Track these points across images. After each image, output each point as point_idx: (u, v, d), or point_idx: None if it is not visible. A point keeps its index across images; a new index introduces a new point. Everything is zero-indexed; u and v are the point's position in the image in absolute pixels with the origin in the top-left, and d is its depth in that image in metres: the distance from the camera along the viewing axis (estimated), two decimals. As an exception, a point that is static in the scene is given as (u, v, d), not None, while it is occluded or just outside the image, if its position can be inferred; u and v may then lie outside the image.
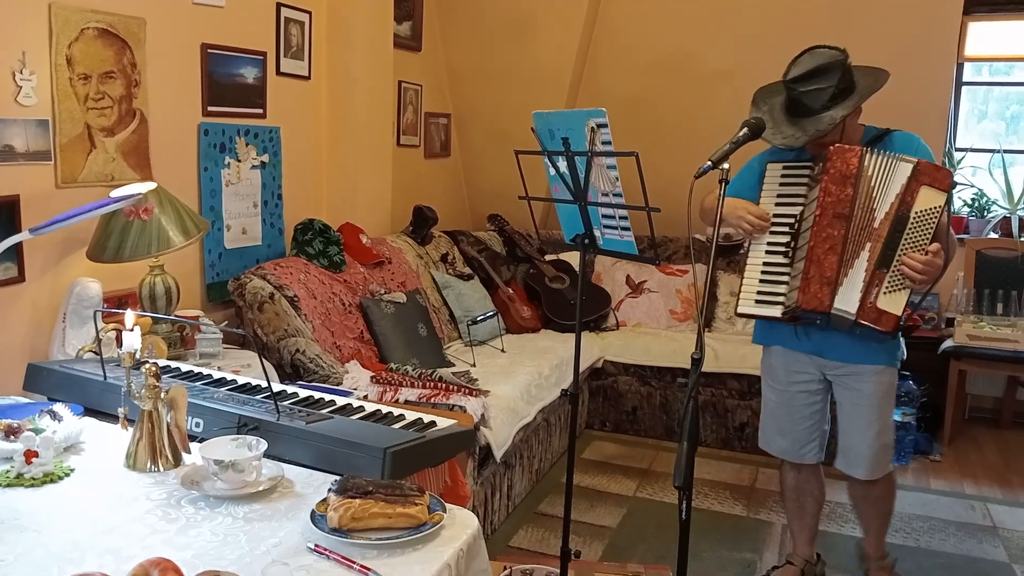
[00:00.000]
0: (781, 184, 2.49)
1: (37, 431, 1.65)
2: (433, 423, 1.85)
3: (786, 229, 2.45)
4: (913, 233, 2.26)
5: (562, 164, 2.13)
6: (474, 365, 3.56)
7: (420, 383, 2.93)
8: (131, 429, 1.66)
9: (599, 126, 1.97)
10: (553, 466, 3.81)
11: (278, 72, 3.48)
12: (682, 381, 4.16)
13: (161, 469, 1.61)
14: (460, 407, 2.83)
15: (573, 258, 4.76)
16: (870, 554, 2.82)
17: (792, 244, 2.42)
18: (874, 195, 2.31)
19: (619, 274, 4.73)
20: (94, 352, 2.23)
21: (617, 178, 2.04)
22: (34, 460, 1.57)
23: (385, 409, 1.91)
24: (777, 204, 2.49)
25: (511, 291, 4.45)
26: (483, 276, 4.46)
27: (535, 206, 2.43)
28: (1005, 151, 4.75)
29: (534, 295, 4.55)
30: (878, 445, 2.55)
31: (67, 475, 1.58)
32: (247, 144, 3.32)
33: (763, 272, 2.46)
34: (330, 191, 3.91)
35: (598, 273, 4.81)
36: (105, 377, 1.95)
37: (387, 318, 3.46)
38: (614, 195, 2.07)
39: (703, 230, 4.87)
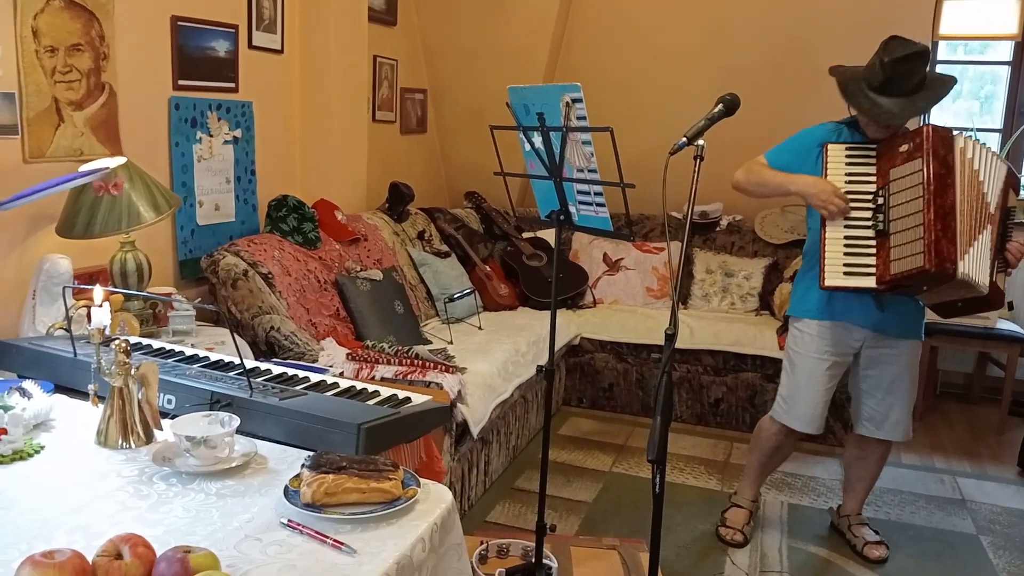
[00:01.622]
0: (848, 164, 2.63)
1: (6, 408, 1.63)
2: (408, 399, 1.85)
3: (867, 204, 2.58)
4: (1010, 226, 2.56)
5: (537, 139, 2.12)
6: (451, 342, 3.56)
7: (396, 360, 2.92)
8: (102, 406, 1.64)
9: (574, 101, 1.96)
10: (530, 442, 3.83)
11: (250, 45, 3.42)
12: (657, 356, 4.19)
13: (132, 446, 1.59)
14: (437, 384, 2.83)
15: (550, 236, 4.75)
16: (850, 511, 3.07)
17: (882, 219, 2.54)
18: (979, 177, 2.52)
19: (596, 252, 4.74)
20: (65, 329, 2.20)
21: (592, 154, 2.03)
22: (3, 437, 1.55)
23: (360, 385, 1.91)
24: (847, 183, 2.62)
25: (488, 269, 4.44)
26: (460, 254, 4.45)
27: (513, 184, 2.42)
28: (978, 130, 4.79)
29: (511, 273, 4.55)
30: (910, 411, 2.87)
31: (37, 452, 1.56)
32: (219, 119, 3.28)
33: (847, 246, 2.58)
34: (304, 167, 3.87)
35: (575, 251, 4.82)
36: (75, 354, 1.93)
37: (363, 295, 3.44)
38: (589, 171, 2.06)
39: (680, 207, 4.89)
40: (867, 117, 2.61)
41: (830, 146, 2.66)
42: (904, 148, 2.53)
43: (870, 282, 2.54)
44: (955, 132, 2.54)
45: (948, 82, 2.61)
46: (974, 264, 2.46)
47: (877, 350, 2.82)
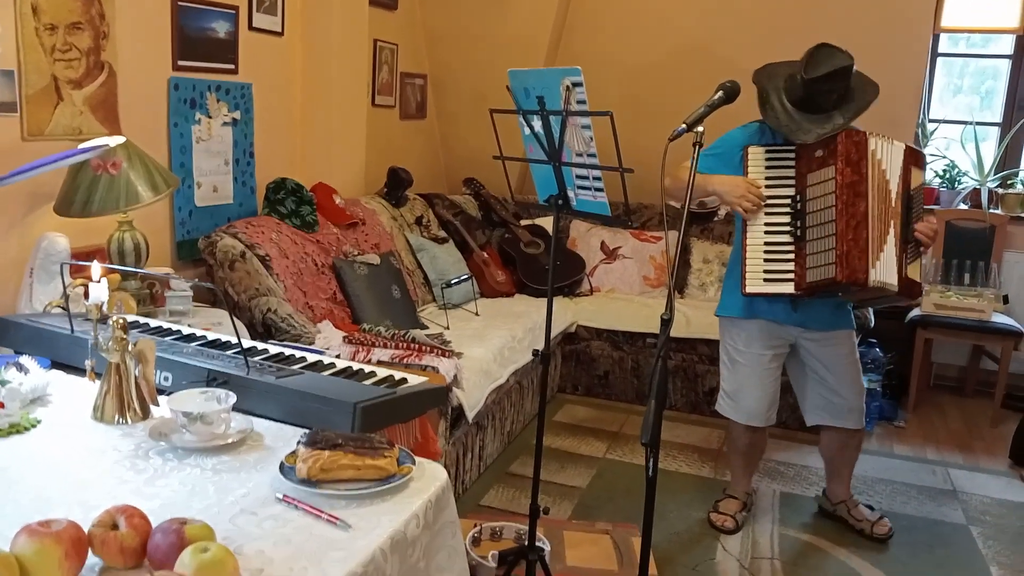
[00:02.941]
0: (768, 167, 2.64)
1: (3, 383, 1.63)
2: (404, 380, 1.85)
3: (785, 210, 2.61)
4: (916, 208, 2.54)
5: (537, 123, 2.12)
6: (447, 328, 3.56)
7: (393, 344, 2.93)
8: (99, 382, 1.65)
9: (574, 85, 1.96)
10: (525, 428, 3.84)
11: (250, 27, 3.42)
12: (652, 342, 4.20)
13: (129, 421, 1.60)
14: (433, 368, 2.83)
15: (549, 223, 4.76)
16: (843, 496, 3.13)
17: (799, 224, 2.57)
18: (886, 176, 2.52)
19: (594, 240, 4.74)
20: (62, 307, 2.20)
21: (591, 138, 2.03)
22: (0, 411, 1.55)
23: (356, 366, 1.91)
24: (768, 186, 2.64)
25: (486, 255, 4.45)
26: (458, 240, 4.45)
27: (512, 170, 2.43)
28: (977, 123, 4.80)
29: (509, 260, 4.55)
30: (862, 395, 2.94)
31: (34, 426, 1.56)
32: (218, 100, 3.27)
33: (766, 251, 2.61)
34: (303, 150, 3.86)
35: (573, 239, 4.82)
36: (72, 331, 1.93)
37: (360, 279, 3.45)
38: (588, 156, 2.07)
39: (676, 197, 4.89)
40: (783, 133, 2.62)
41: (750, 149, 2.69)
42: (819, 153, 2.55)
43: (789, 288, 2.59)
44: (868, 134, 2.54)
45: (870, 93, 2.59)
46: (884, 268, 2.49)
47: (812, 343, 2.88)
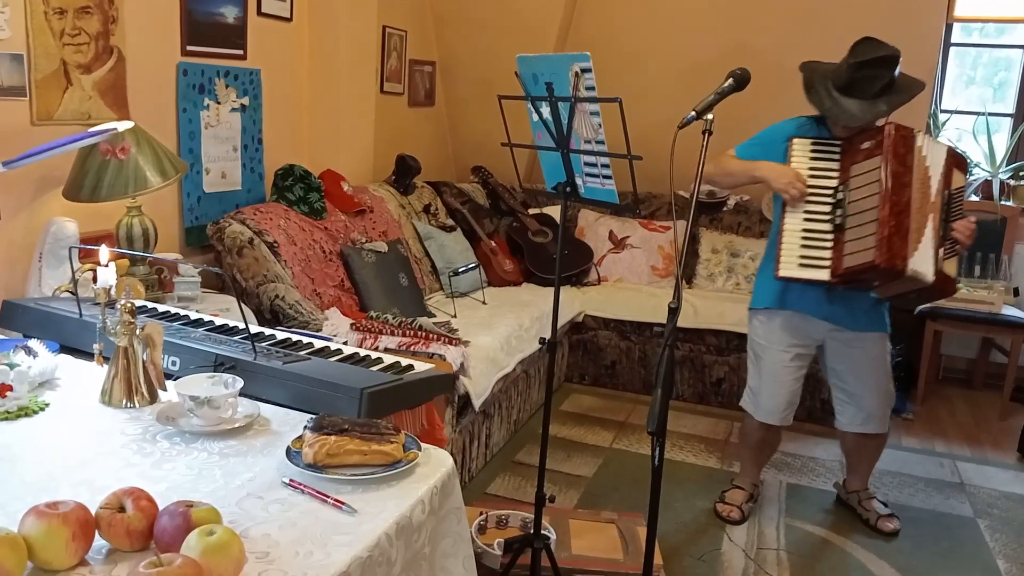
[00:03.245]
0: (812, 158, 2.66)
1: (11, 366, 1.64)
2: (411, 366, 1.85)
3: (827, 199, 2.61)
4: (956, 207, 2.56)
5: (545, 110, 2.11)
6: (455, 316, 3.56)
7: (400, 331, 2.93)
8: (107, 366, 1.65)
9: (583, 71, 1.95)
10: (531, 417, 3.84)
11: (259, 12, 3.41)
12: (659, 331, 4.19)
13: (137, 405, 1.60)
14: (440, 355, 2.83)
15: (557, 212, 4.74)
16: (858, 487, 3.13)
17: (839, 213, 2.57)
18: (928, 172, 2.53)
19: (602, 229, 4.73)
20: (70, 292, 2.20)
21: (600, 125, 2.02)
22: (8, 394, 1.56)
23: (363, 352, 1.92)
24: (810, 176, 2.64)
25: (494, 244, 4.44)
26: (466, 228, 4.44)
27: (521, 158, 2.42)
28: (990, 114, 4.76)
29: (517, 248, 4.54)
30: (889, 402, 2.91)
31: (42, 409, 1.57)
32: (227, 86, 3.27)
33: (804, 238, 2.61)
34: (311, 137, 3.86)
35: (581, 228, 4.81)
36: (81, 315, 1.94)
37: (368, 267, 3.45)
38: (597, 142, 2.05)
39: (689, 186, 4.87)
40: (827, 116, 2.66)
41: (795, 140, 2.70)
42: (866, 145, 2.56)
43: (824, 275, 2.57)
44: (916, 131, 2.56)
45: (916, 87, 2.63)
46: (921, 258, 2.48)
47: (839, 343, 2.85)
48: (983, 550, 2.94)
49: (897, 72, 2.59)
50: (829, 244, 2.58)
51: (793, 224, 2.63)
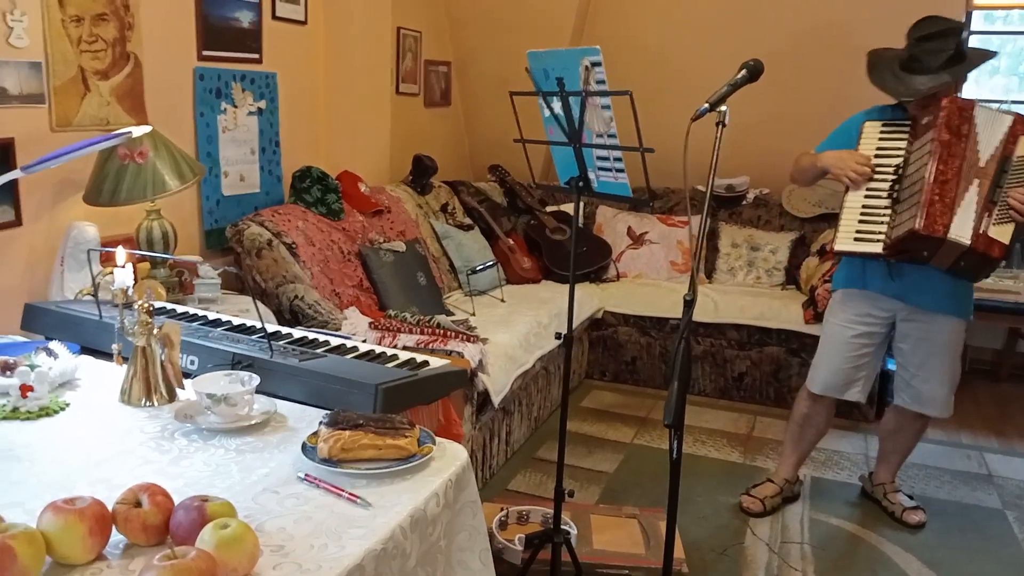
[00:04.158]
0: (880, 139, 2.68)
1: (33, 367, 1.66)
2: (427, 362, 1.86)
3: (887, 175, 2.62)
4: (1016, 173, 2.50)
5: (557, 105, 2.11)
6: (473, 314, 3.57)
7: (418, 329, 2.94)
8: (126, 366, 1.67)
9: (593, 64, 1.94)
10: (552, 414, 3.84)
11: (274, 16, 3.43)
12: (676, 324, 4.17)
13: (155, 404, 1.62)
14: (458, 353, 2.84)
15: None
16: (884, 480, 3.11)
17: (896, 188, 2.59)
18: (979, 140, 2.52)
19: (620, 225, 4.71)
20: (91, 295, 2.23)
21: (611, 119, 2.01)
22: (29, 394, 1.58)
23: (379, 349, 1.92)
24: (876, 156, 2.66)
25: (512, 242, 4.44)
26: (483, 227, 4.45)
27: (538, 157, 2.42)
28: (1012, 102, 4.69)
29: (535, 246, 4.54)
30: (952, 388, 2.89)
31: (62, 409, 1.59)
32: (243, 90, 3.30)
33: (863, 213, 2.64)
34: (328, 139, 3.88)
35: (599, 224, 4.80)
36: (101, 316, 1.96)
37: (386, 266, 3.46)
38: (608, 136, 2.05)
39: (706, 180, 4.84)
40: (889, 92, 2.65)
41: (867, 124, 2.72)
42: (926, 120, 2.58)
43: (878, 248, 2.59)
44: (976, 103, 2.54)
45: (983, 55, 2.63)
46: (960, 223, 2.47)
47: (909, 323, 2.83)
48: (1011, 542, 2.90)
49: (963, 46, 2.59)
50: (885, 218, 2.59)
51: (853, 201, 2.66)
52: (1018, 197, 2.51)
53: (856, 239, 2.62)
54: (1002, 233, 2.52)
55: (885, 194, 2.60)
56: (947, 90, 2.57)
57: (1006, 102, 4.68)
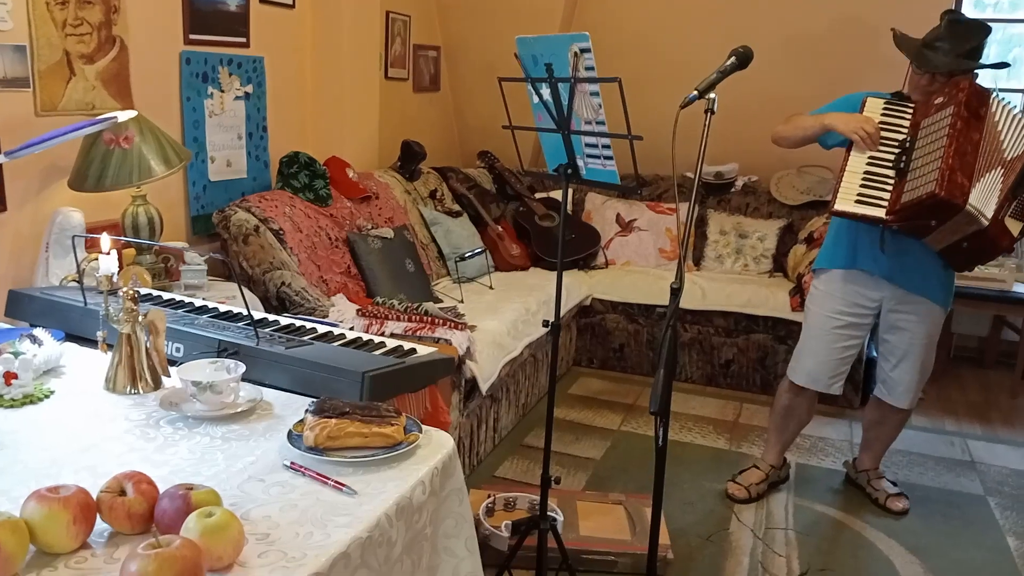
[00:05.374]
0: (884, 114, 2.69)
1: (17, 354, 1.65)
2: (413, 350, 1.86)
3: (893, 148, 2.63)
4: None
5: (545, 91, 2.10)
6: (461, 301, 3.57)
7: (406, 316, 2.94)
8: (110, 353, 1.66)
9: (582, 51, 1.94)
10: (539, 401, 3.85)
11: (261, 0, 3.40)
12: (662, 310, 4.19)
13: (140, 392, 1.61)
14: (446, 340, 2.84)
15: (563, 196, 4.73)
16: (868, 466, 3.15)
17: (904, 159, 2.59)
18: (1001, 131, 2.54)
19: (609, 212, 4.71)
20: (76, 281, 2.22)
21: (600, 106, 2.01)
22: (13, 382, 1.57)
23: (366, 337, 1.92)
24: (880, 128, 2.66)
25: (500, 229, 4.44)
26: (472, 213, 4.44)
27: (527, 143, 2.41)
28: (1001, 90, 4.70)
29: (523, 233, 4.54)
30: (922, 380, 2.93)
31: (47, 397, 1.58)
32: (230, 74, 3.27)
33: (865, 178, 2.63)
34: (316, 124, 3.86)
35: (588, 212, 4.80)
36: (86, 303, 1.95)
37: (374, 253, 3.45)
38: (597, 123, 2.05)
39: (692, 166, 4.85)
40: (914, 62, 2.68)
41: (869, 99, 2.73)
42: (939, 100, 2.59)
43: (880, 212, 2.58)
44: (993, 92, 2.59)
45: (997, 64, 2.72)
46: (983, 197, 2.48)
47: (897, 314, 2.84)
48: (993, 527, 2.93)
49: (984, 47, 2.65)
50: (889, 186, 2.59)
51: (855, 165, 2.64)
52: None
53: (858, 201, 2.60)
54: (1014, 226, 2.56)
55: (890, 164, 2.60)
56: (965, 76, 2.60)
57: (996, 89, 4.69)
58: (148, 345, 1.64)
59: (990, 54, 2.83)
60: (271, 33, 3.49)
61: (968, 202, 2.44)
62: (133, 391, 1.61)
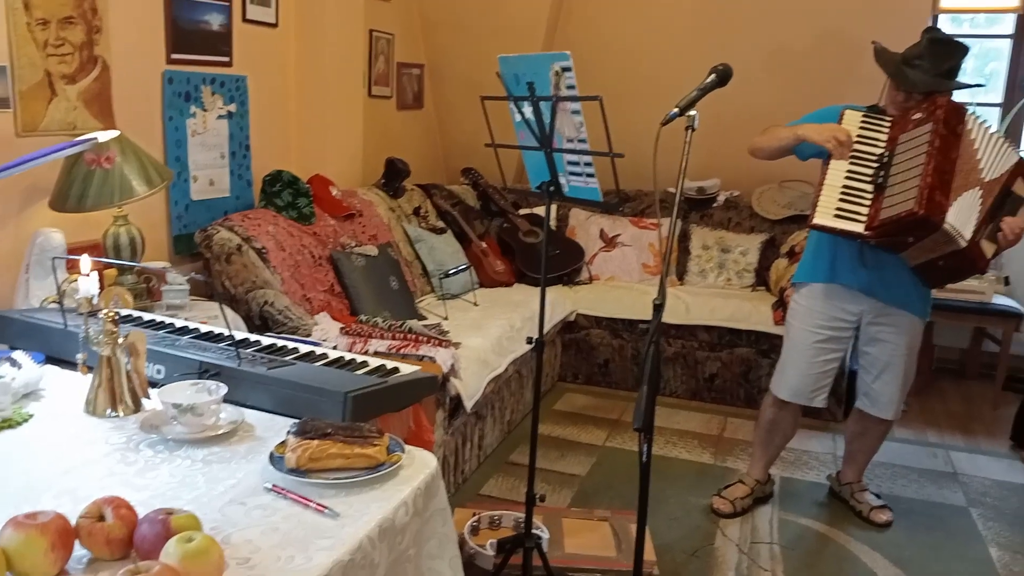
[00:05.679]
0: (861, 127, 2.70)
1: (-5, 377, 1.64)
2: (396, 369, 1.86)
3: (871, 162, 2.64)
4: (1011, 206, 2.61)
5: (527, 110, 2.12)
6: (446, 318, 3.57)
7: (390, 334, 2.93)
8: (91, 375, 1.65)
9: (564, 70, 1.95)
10: (525, 417, 3.84)
11: (244, 19, 3.41)
12: (644, 327, 4.20)
13: (121, 414, 1.61)
14: (430, 358, 2.84)
15: (547, 212, 4.74)
16: (852, 479, 3.16)
17: (883, 174, 2.60)
18: (979, 152, 2.57)
19: (593, 228, 4.73)
20: (57, 303, 2.20)
21: (582, 123, 2.02)
22: (-8, 406, 1.56)
23: (349, 356, 1.92)
24: (857, 142, 2.68)
25: (484, 245, 4.44)
26: (456, 230, 4.44)
27: (510, 160, 2.43)
28: (977, 104, 4.77)
29: (508, 249, 4.54)
30: (904, 391, 2.94)
31: (26, 420, 1.57)
32: (213, 93, 3.27)
33: (844, 193, 2.64)
34: (300, 142, 3.86)
35: (572, 227, 4.81)
36: (66, 325, 1.94)
37: (358, 271, 3.45)
38: (579, 141, 2.06)
39: (673, 180, 4.87)
40: (892, 80, 2.71)
41: (847, 111, 2.74)
42: (917, 116, 2.62)
43: (858, 227, 2.59)
44: (969, 110, 2.62)
45: (971, 85, 2.80)
46: (961, 218, 2.50)
47: (877, 327, 2.86)
48: (976, 539, 2.95)
49: (960, 67, 2.69)
50: (868, 201, 2.60)
51: (834, 179, 2.65)
52: (1011, 222, 2.58)
53: (836, 215, 2.61)
54: (988, 248, 2.60)
55: (868, 179, 2.62)
56: (943, 94, 2.63)
57: (973, 104, 4.76)
58: (128, 367, 1.64)
59: (967, 68, 2.86)
60: (254, 52, 3.49)
61: (946, 220, 2.47)
62: (113, 414, 1.60)
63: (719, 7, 4.67)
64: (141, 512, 1.16)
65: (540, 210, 4.80)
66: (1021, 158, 2.65)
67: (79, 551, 1.12)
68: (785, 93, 4.53)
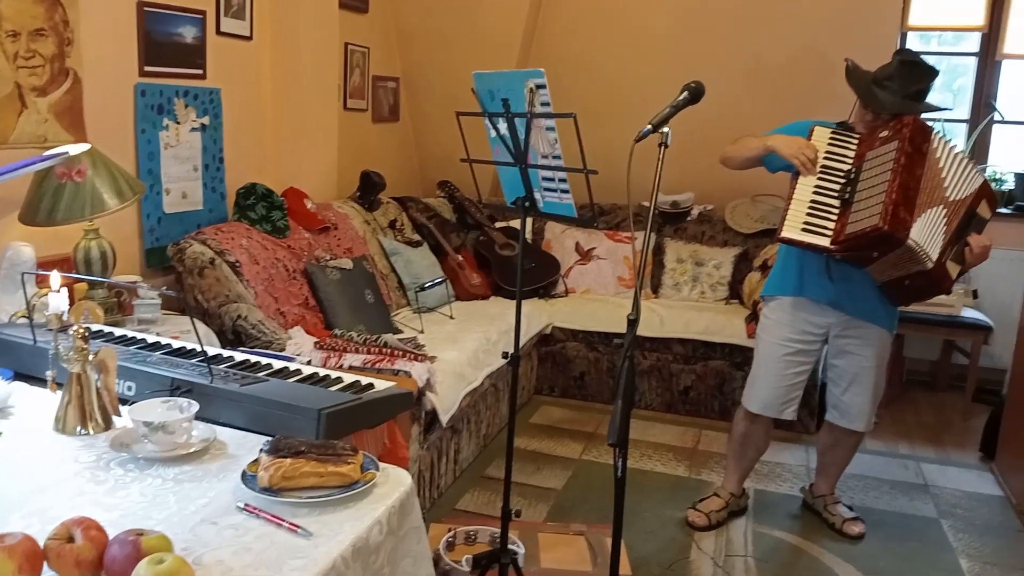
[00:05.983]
0: (829, 143, 2.75)
1: (-38, 395, 1.61)
2: (371, 385, 1.85)
3: (839, 178, 2.68)
4: (976, 226, 2.67)
5: (502, 126, 2.13)
6: (422, 331, 3.56)
7: (365, 349, 2.92)
8: (60, 392, 1.63)
9: (538, 87, 1.97)
10: (501, 431, 3.84)
11: (218, 32, 3.39)
12: (618, 342, 4.22)
13: (91, 432, 1.58)
14: (405, 372, 2.83)
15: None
16: (824, 491, 3.19)
17: (849, 190, 2.65)
18: (944, 172, 2.62)
19: (568, 241, 4.75)
20: (26, 317, 2.17)
21: (556, 140, 2.04)
22: (-42, 424, 1.54)
23: (323, 372, 1.91)
24: (825, 158, 2.73)
25: (461, 258, 4.44)
26: (432, 243, 4.44)
27: (486, 175, 2.43)
28: (945, 120, 4.85)
29: (484, 262, 4.55)
30: (875, 403, 2.98)
31: (-7, 439, 1.55)
32: (186, 106, 3.25)
33: (811, 207, 2.68)
34: (274, 155, 3.84)
35: (548, 240, 4.83)
36: (35, 341, 1.91)
37: (332, 284, 3.44)
38: (553, 157, 2.07)
39: (647, 194, 4.91)
40: (861, 100, 2.75)
41: (816, 127, 2.78)
42: (884, 134, 2.67)
43: (825, 241, 2.64)
44: (934, 130, 2.67)
45: (939, 108, 2.84)
46: (925, 236, 2.55)
47: (844, 339, 2.90)
48: (947, 550, 2.98)
49: (928, 90, 2.74)
50: (834, 216, 2.64)
51: (802, 194, 2.70)
52: (976, 242, 2.64)
53: (804, 229, 2.65)
54: (953, 269, 2.65)
55: (835, 195, 2.66)
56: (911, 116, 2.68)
57: (940, 120, 4.84)
58: (99, 384, 1.62)
59: (936, 83, 2.91)
60: (228, 65, 3.48)
61: (909, 236, 2.51)
62: (83, 432, 1.58)
63: (693, 24, 4.73)
64: (111, 533, 1.14)
65: (516, 223, 4.81)
66: (986, 180, 2.71)
67: (48, 573, 1.10)
68: (758, 108, 4.58)
